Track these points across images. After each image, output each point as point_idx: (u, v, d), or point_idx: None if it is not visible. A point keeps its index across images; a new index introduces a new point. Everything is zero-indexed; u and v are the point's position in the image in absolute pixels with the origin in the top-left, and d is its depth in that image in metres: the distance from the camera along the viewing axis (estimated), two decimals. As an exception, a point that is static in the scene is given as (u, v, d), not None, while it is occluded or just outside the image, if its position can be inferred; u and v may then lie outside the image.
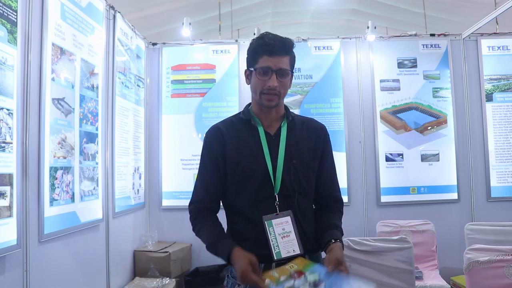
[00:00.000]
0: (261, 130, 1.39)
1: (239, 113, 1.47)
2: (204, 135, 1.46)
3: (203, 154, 1.43)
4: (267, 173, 1.34)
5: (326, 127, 1.50)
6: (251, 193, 1.35)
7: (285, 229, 1.29)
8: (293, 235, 1.29)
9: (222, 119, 1.49)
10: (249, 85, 1.41)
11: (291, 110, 1.47)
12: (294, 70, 1.40)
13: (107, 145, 2.87)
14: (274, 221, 1.29)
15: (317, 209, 1.48)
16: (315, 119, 1.52)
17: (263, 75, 1.32)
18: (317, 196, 1.45)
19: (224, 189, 1.41)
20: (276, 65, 1.31)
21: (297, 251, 1.27)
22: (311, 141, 1.42)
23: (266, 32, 1.39)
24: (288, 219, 1.30)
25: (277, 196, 1.33)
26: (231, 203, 1.40)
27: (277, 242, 1.27)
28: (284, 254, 1.26)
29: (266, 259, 1.28)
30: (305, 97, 3.75)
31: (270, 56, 1.31)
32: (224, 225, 1.43)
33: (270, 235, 1.28)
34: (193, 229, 1.41)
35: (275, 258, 1.26)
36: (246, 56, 1.41)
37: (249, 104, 1.48)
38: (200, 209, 1.41)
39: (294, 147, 1.38)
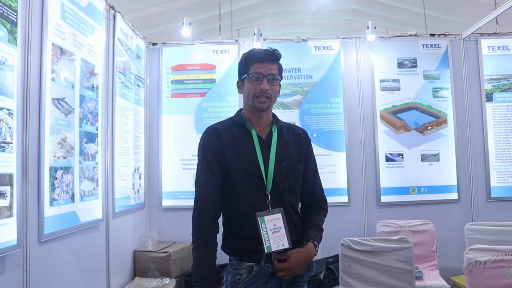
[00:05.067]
0: (254, 134, 1.51)
1: (232, 117, 1.59)
2: (202, 135, 1.53)
3: (205, 152, 1.49)
4: (260, 174, 1.46)
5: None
6: (246, 192, 1.45)
7: (276, 225, 1.40)
8: (283, 231, 1.40)
9: (216, 122, 1.58)
10: (241, 94, 1.55)
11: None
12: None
13: (107, 145, 2.87)
14: (266, 218, 1.41)
15: (302, 207, 1.61)
16: (297, 125, 1.72)
17: (256, 80, 1.47)
18: (302, 194, 1.58)
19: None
20: (266, 71, 1.47)
21: (286, 245, 1.39)
22: (297, 145, 1.58)
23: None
24: (279, 216, 1.41)
25: (269, 194, 1.45)
26: (227, 202, 1.48)
27: (268, 237, 1.39)
28: (274, 248, 1.39)
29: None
30: (305, 97, 3.74)
31: (261, 63, 1.48)
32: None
33: (262, 230, 1.39)
34: (192, 243, 1.44)
35: (266, 251, 1.38)
36: (237, 70, 1.56)
37: (241, 109, 1.60)
38: (204, 224, 1.42)
39: (283, 150, 1.52)
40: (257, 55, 1.49)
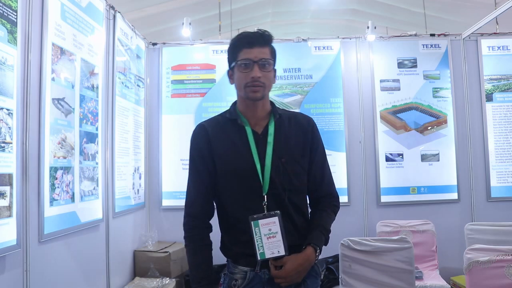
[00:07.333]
0: (248, 130, 1.36)
1: (225, 112, 1.44)
2: (191, 135, 1.44)
3: (192, 155, 1.40)
4: (255, 173, 1.32)
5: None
6: (240, 193, 1.34)
7: (271, 229, 1.27)
8: (279, 236, 1.27)
9: (208, 118, 1.46)
10: (233, 85, 1.39)
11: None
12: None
13: (107, 145, 2.87)
14: (260, 222, 1.28)
15: (310, 204, 1.47)
16: (302, 112, 1.51)
17: (245, 67, 1.30)
18: (308, 190, 1.44)
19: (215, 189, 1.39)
20: (256, 56, 1.30)
21: (282, 253, 1.26)
22: (299, 137, 1.40)
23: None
24: (275, 219, 1.28)
25: (265, 196, 1.31)
26: (220, 203, 1.40)
27: (262, 243, 1.26)
28: (268, 255, 1.26)
29: None
30: (305, 97, 3.74)
31: (250, 48, 1.30)
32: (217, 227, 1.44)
33: (256, 235, 1.27)
34: (185, 247, 1.38)
35: (259, 258, 1.26)
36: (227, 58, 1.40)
37: (235, 102, 1.45)
38: (194, 227, 1.37)
39: (282, 145, 1.36)
40: (245, 39, 1.31)
